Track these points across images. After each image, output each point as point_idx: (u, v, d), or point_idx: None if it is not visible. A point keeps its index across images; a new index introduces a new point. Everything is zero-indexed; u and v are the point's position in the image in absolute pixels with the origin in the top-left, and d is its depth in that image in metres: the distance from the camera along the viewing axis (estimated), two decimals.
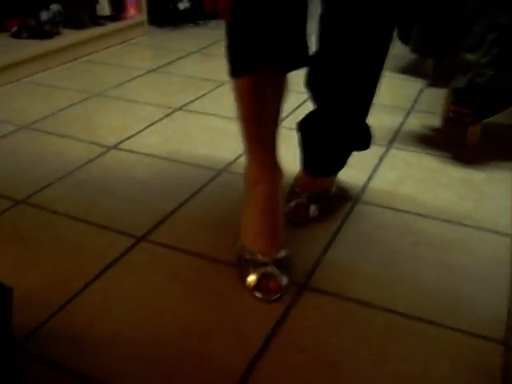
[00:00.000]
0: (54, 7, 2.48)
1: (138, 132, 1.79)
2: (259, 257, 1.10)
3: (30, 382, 0.91)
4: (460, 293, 1.12)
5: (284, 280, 1.10)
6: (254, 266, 1.10)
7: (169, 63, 2.51)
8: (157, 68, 2.44)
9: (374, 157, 1.64)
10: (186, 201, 1.41)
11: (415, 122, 1.90)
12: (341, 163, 1.38)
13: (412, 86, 2.24)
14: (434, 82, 1.67)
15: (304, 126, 1.34)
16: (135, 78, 2.31)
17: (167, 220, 1.33)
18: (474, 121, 1.61)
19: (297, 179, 1.38)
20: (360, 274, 1.17)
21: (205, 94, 2.13)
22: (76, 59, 2.51)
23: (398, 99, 2.10)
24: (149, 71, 2.40)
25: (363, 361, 0.96)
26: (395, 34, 2.22)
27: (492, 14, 1.43)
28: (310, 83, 1.30)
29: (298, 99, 1.85)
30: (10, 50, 2.30)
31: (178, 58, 2.58)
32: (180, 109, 1.99)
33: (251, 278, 1.09)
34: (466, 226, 1.34)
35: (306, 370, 0.94)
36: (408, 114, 1.97)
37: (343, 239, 1.28)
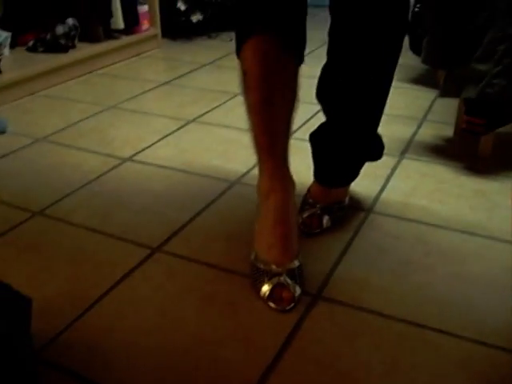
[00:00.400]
0: (70, 21, 2.52)
1: (153, 144, 1.81)
2: (273, 267, 1.11)
3: None
4: (472, 303, 1.13)
5: (297, 290, 1.11)
6: (267, 276, 1.11)
7: (182, 75, 2.54)
8: (170, 80, 2.47)
9: (387, 167, 1.64)
10: (200, 212, 1.42)
11: (428, 133, 1.91)
12: (353, 174, 1.39)
13: (424, 96, 2.25)
14: (446, 92, 1.67)
15: (316, 138, 1.35)
16: (149, 90, 2.34)
17: (182, 231, 1.34)
18: (487, 131, 1.61)
19: (310, 190, 1.39)
20: (373, 284, 1.18)
21: (218, 106, 2.15)
22: (91, 72, 2.55)
23: (410, 109, 2.11)
24: (162, 83, 2.43)
25: (375, 371, 0.96)
26: (407, 44, 2.24)
27: (502, 24, 1.44)
28: (321, 95, 1.31)
29: (310, 110, 1.87)
30: (26, 64, 2.34)
31: (192, 71, 2.61)
32: (193, 121, 2.01)
33: (265, 288, 1.10)
34: (479, 235, 1.34)
35: (319, 380, 0.94)
36: (420, 125, 1.98)
37: (356, 249, 1.29)
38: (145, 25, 2.88)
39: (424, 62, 1.72)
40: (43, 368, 0.96)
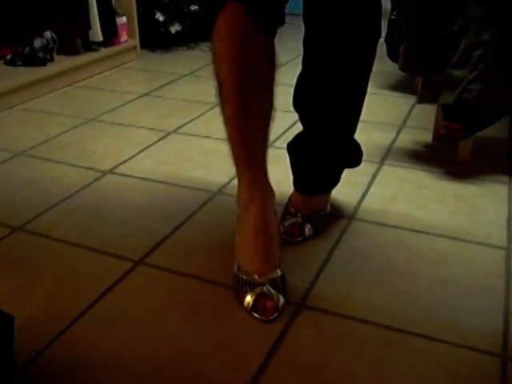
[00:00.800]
0: (47, 34, 2.50)
1: (133, 156, 1.81)
2: (255, 277, 1.11)
3: None
4: (455, 307, 1.13)
5: (281, 299, 1.11)
6: (250, 286, 1.11)
7: (161, 86, 2.53)
8: (150, 91, 2.46)
9: (367, 174, 1.65)
10: (182, 223, 1.42)
11: (407, 138, 1.92)
12: (333, 181, 1.40)
13: (403, 102, 2.27)
14: (423, 98, 1.69)
15: (293, 147, 1.36)
16: (129, 102, 2.33)
17: (164, 243, 1.34)
18: (465, 135, 1.63)
19: (291, 199, 1.39)
20: (356, 291, 1.18)
21: (198, 117, 2.15)
22: (70, 85, 2.54)
23: (389, 116, 2.12)
24: (142, 95, 2.42)
25: (361, 379, 0.96)
26: (385, 51, 2.26)
27: (476, 31, 1.46)
28: (297, 104, 1.32)
29: (290, 119, 1.87)
30: (4, 77, 2.32)
31: (171, 81, 2.61)
32: (174, 131, 2.01)
33: (248, 299, 1.10)
34: (460, 240, 1.35)
35: None
36: (400, 131, 1.99)
37: (339, 257, 1.29)
38: (123, 36, 2.88)
39: (401, 69, 1.73)
40: None
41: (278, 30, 1.12)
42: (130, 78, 2.73)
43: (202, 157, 1.80)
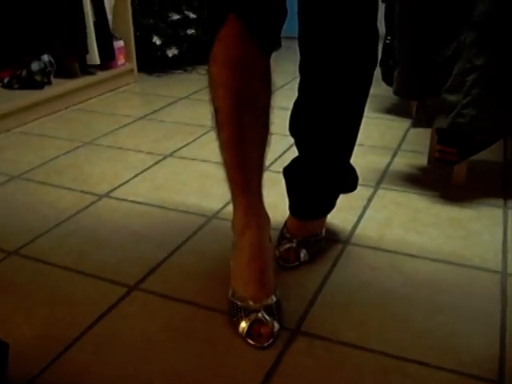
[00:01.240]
0: (45, 57, 2.52)
1: (129, 180, 1.81)
2: (250, 303, 1.11)
3: None
4: (451, 332, 1.13)
5: (275, 326, 1.10)
6: (245, 312, 1.10)
7: (158, 110, 2.55)
8: (146, 115, 2.48)
9: (363, 198, 1.66)
10: (177, 248, 1.42)
11: (402, 162, 1.93)
12: (329, 206, 1.40)
13: (398, 125, 2.29)
14: (418, 122, 1.70)
15: (289, 172, 1.36)
16: (125, 125, 2.34)
17: (159, 268, 1.34)
18: (459, 159, 1.64)
19: (286, 224, 1.40)
20: (351, 316, 1.18)
21: (194, 140, 2.16)
22: (67, 108, 2.55)
23: (384, 140, 2.14)
24: (139, 118, 2.43)
25: None
26: (379, 75, 2.28)
27: (469, 56, 1.48)
28: (293, 129, 1.33)
29: (286, 143, 1.88)
30: (1, 100, 2.33)
31: (168, 105, 2.62)
32: (170, 155, 2.01)
33: (243, 325, 1.10)
34: (455, 264, 1.36)
35: None
36: (395, 154, 2.00)
37: (334, 282, 1.29)
38: (121, 60, 2.90)
39: (395, 93, 1.74)
40: None
41: (274, 53, 1.12)
42: (127, 101, 2.74)
43: (198, 181, 1.81)
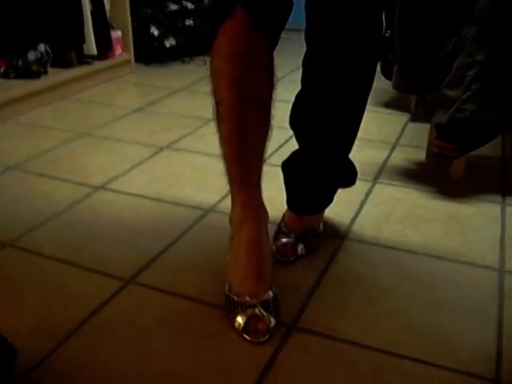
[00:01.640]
0: (41, 47, 2.49)
1: (125, 172, 1.80)
2: (247, 299, 1.10)
3: None
4: (448, 329, 1.12)
5: (272, 321, 1.09)
6: (241, 308, 1.10)
7: (155, 101, 2.53)
8: (143, 106, 2.46)
9: (360, 193, 1.65)
10: (174, 242, 1.41)
11: (400, 157, 1.92)
12: (327, 201, 1.39)
13: (396, 120, 2.27)
14: (417, 117, 1.69)
15: (288, 166, 1.35)
16: (122, 116, 2.33)
17: (155, 262, 1.33)
18: (458, 155, 1.63)
19: (284, 218, 1.39)
20: (348, 312, 1.17)
21: (191, 132, 2.14)
22: (63, 98, 2.53)
23: (382, 134, 2.13)
24: (135, 110, 2.42)
25: None
26: (378, 69, 2.27)
27: (470, 51, 1.46)
28: (294, 122, 1.32)
29: (284, 135, 1.87)
30: None
31: (165, 96, 2.60)
32: (167, 147, 2.00)
33: (239, 320, 1.09)
34: (453, 261, 1.35)
35: None
36: (393, 149, 1.99)
37: (331, 277, 1.28)
38: (118, 50, 2.88)
39: (395, 87, 1.73)
40: None
41: None
42: (124, 92, 2.72)
43: (195, 173, 1.79)
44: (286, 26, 1.10)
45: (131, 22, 2.92)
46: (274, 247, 1.33)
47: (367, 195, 1.65)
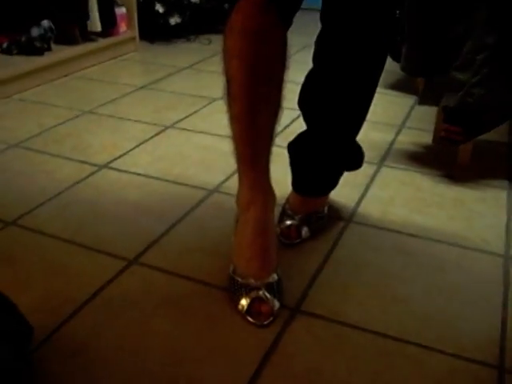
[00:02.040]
0: (45, 23, 2.47)
1: (129, 151, 1.79)
2: (251, 281, 1.09)
3: None
4: (452, 315, 1.12)
5: (276, 304, 1.09)
6: (245, 290, 1.09)
7: (160, 79, 2.51)
8: (148, 84, 2.44)
9: (366, 176, 1.64)
10: (178, 222, 1.40)
11: (406, 140, 1.91)
12: (333, 183, 1.38)
13: (403, 102, 2.25)
14: (425, 100, 1.67)
15: (295, 147, 1.34)
16: (126, 94, 2.31)
17: (158, 242, 1.32)
18: (466, 139, 1.61)
19: (289, 200, 1.38)
20: (352, 296, 1.16)
21: (196, 111, 2.12)
22: (67, 75, 2.51)
23: (388, 116, 2.11)
24: (140, 88, 2.39)
25: None
26: None
27: (480, 34, 1.44)
28: (303, 103, 1.30)
29: (289, 116, 1.85)
30: (0, 66, 2.28)
31: (169, 74, 2.58)
32: (171, 126, 1.98)
33: (243, 303, 1.08)
34: (458, 246, 1.34)
35: None
36: (399, 132, 1.97)
37: (335, 261, 1.27)
38: (122, 27, 2.85)
39: (403, 69, 1.71)
40: None
41: None
42: (128, 69, 2.70)
43: (200, 153, 1.78)
44: None
45: None
46: (278, 229, 1.32)
47: (372, 178, 1.64)
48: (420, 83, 2.17)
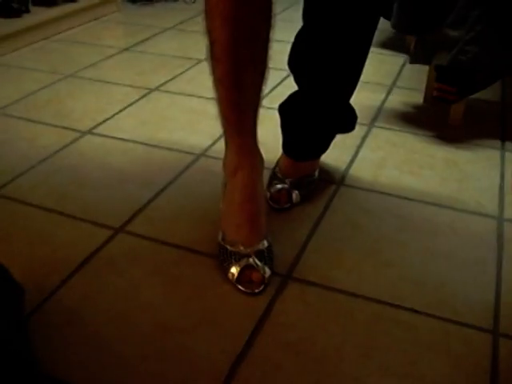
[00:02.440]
0: None
1: (113, 115, 1.73)
2: (241, 248, 1.07)
3: None
4: (446, 280, 1.10)
5: (267, 271, 1.06)
6: (235, 257, 1.06)
7: (143, 41, 2.44)
8: (131, 46, 2.37)
9: (357, 137, 1.60)
10: (164, 188, 1.36)
11: (397, 100, 1.87)
12: (324, 146, 1.35)
13: (393, 61, 2.21)
14: (416, 58, 1.63)
15: (286, 109, 1.30)
16: (109, 57, 2.24)
17: (145, 209, 1.29)
18: (458, 98, 1.57)
19: (279, 163, 1.34)
20: (344, 262, 1.14)
21: (181, 73, 2.07)
22: (46, 38, 2.43)
23: (379, 75, 2.06)
24: (123, 50, 2.33)
25: (349, 356, 0.93)
26: None
27: None
28: (294, 63, 1.25)
29: (277, 76, 1.80)
30: None
31: (153, 35, 2.51)
32: (156, 89, 1.93)
33: (233, 271, 1.06)
34: (451, 208, 1.32)
35: (291, 367, 0.91)
36: (390, 91, 1.93)
37: (327, 225, 1.25)
38: None
39: (394, 27, 1.66)
40: None
41: None
42: (110, 31, 2.62)
43: (185, 116, 1.73)
44: None
45: None
46: (267, 194, 1.29)
47: (363, 139, 1.60)
48: (411, 41, 2.11)
